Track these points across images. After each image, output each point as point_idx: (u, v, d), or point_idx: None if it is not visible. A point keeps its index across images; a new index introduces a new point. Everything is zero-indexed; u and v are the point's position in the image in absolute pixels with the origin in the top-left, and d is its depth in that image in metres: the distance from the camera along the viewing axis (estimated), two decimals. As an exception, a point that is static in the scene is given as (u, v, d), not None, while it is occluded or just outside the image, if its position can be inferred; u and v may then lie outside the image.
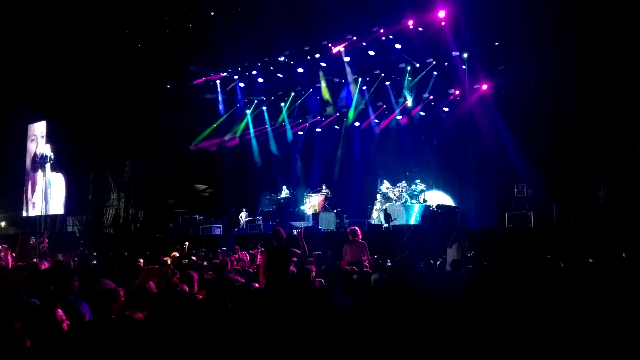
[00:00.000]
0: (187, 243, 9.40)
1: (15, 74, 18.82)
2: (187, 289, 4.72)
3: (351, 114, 18.33)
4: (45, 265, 6.83)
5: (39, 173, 22.08)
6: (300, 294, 3.70)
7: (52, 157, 21.61)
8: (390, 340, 2.95)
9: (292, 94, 19.05)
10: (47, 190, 21.71)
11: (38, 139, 22.17)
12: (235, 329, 3.23)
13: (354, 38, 15.71)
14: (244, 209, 17.59)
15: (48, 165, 21.74)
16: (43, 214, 21.77)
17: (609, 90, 12.35)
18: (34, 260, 8.13)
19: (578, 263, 6.55)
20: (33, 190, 22.23)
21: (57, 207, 21.37)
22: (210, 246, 12.16)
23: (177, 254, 8.59)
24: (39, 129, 22.20)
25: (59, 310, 2.99)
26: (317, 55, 16.59)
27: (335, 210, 15.42)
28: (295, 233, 6.92)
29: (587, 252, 7.68)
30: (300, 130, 20.01)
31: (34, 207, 22.16)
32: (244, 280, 5.79)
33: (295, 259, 7.08)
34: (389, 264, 8.06)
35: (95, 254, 11.44)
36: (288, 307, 3.59)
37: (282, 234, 6.57)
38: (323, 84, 17.67)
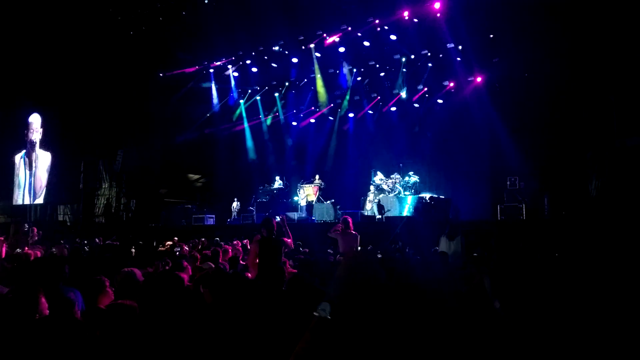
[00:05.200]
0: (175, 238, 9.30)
1: (7, 64, 18.56)
2: (186, 278, 4.69)
3: (345, 104, 18.30)
4: (37, 254, 6.78)
5: (27, 158, 21.99)
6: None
7: (39, 141, 21.62)
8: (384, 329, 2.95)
9: (287, 84, 18.95)
10: (34, 178, 21.61)
11: (36, 129, 22.06)
12: (223, 318, 3.21)
13: (349, 28, 15.64)
14: (235, 199, 17.53)
15: (37, 149, 21.68)
16: (33, 202, 21.63)
17: (602, 84, 12.42)
18: (25, 249, 8.07)
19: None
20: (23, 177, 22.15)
21: (42, 194, 21.35)
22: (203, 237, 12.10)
23: (170, 243, 8.58)
24: (38, 120, 22.08)
25: (43, 298, 2.98)
26: (312, 46, 16.50)
27: (329, 201, 15.43)
28: (278, 220, 6.87)
29: (578, 244, 7.75)
30: (294, 121, 19.94)
31: (23, 195, 22.01)
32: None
33: (287, 250, 7.06)
34: (379, 255, 8.08)
35: (85, 242, 11.38)
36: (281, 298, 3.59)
37: (273, 224, 6.52)
38: (317, 75, 17.59)
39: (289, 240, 6.75)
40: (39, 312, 2.94)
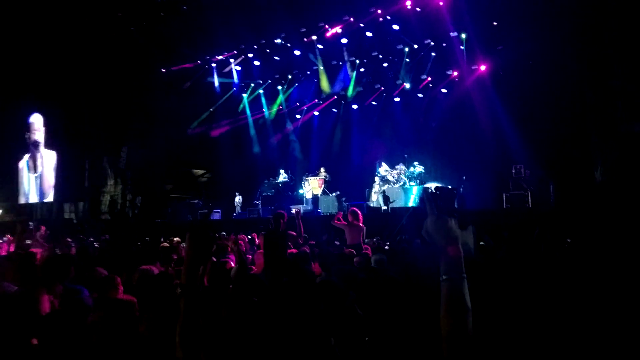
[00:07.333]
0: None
1: (10, 63, 18.58)
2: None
3: (349, 95, 18.23)
4: (43, 253, 6.80)
5: (32, 160, 22.11)
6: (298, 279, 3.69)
7: (44, 141, 21.73)
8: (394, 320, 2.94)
9: (289, 77, 18.89)
10: (42, 177, 21.73)
11: (38, 129, 22.15)
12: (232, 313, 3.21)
13: (351, 19, 15.54)
14: (237, 193, 17.53)
15: (42, 149, 21.78)
16: (39, 201, 21.76)
17: (607, 69, 12.29)
18: (31, 248, 8.09)
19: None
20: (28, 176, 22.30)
21: (50, 193, 21.49)
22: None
23: (177, 239, 8.58)
24: (39, 120, 22.17)
25: (45, 297, 2.99)
26: (314, 37, 16.41)
27: (334, 194, 15.42)
28: (293, 212, 6.87)
29: (585, 232, 7.70)
30: (298, 114, 19.90)
31: (29, 195, 22.16)
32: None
33: (290, 244, 7.05)
34: (387, 247, 8.07)
35: (92, 239, 11.41)
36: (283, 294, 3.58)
37: (283, 218, 6.49)
38: (320, 67, 17.52)
39: (294, 233, 6.74)
40: (41, 310, 2.93)
